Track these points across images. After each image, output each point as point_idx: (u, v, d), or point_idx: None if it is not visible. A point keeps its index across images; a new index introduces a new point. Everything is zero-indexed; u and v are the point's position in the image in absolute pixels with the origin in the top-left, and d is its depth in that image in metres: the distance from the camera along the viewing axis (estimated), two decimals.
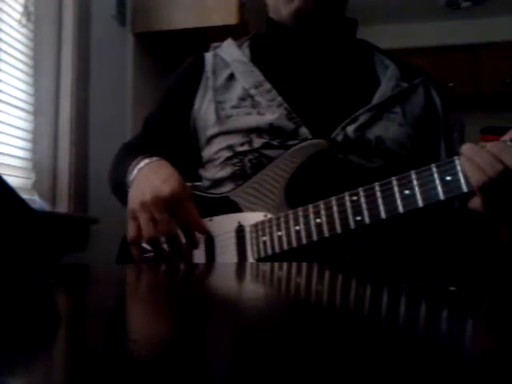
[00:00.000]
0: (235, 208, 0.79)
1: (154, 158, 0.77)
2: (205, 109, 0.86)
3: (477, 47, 3.31)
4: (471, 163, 0.63)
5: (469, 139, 0.89)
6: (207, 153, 0.86)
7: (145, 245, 0.82)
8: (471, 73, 3.28)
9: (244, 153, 0.80)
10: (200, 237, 0.74)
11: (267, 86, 0.82)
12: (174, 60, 2.32)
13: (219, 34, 1.87)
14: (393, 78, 0.85)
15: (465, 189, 0.64)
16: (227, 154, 0.82)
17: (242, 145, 0.80)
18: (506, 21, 3.41)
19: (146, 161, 0.77)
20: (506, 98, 3.30)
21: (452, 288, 0.38)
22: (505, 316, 0.29)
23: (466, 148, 0.65)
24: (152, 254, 0.82)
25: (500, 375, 0.17)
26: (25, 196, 1.45)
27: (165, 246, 0.71)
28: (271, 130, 0.79)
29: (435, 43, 3.36)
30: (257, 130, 0.79)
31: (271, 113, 0.80)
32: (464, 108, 3.25)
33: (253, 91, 0.82)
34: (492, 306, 0.34)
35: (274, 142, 0.79)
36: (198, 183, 0.87)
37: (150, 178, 0.73)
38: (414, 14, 3.47)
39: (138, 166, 0.76)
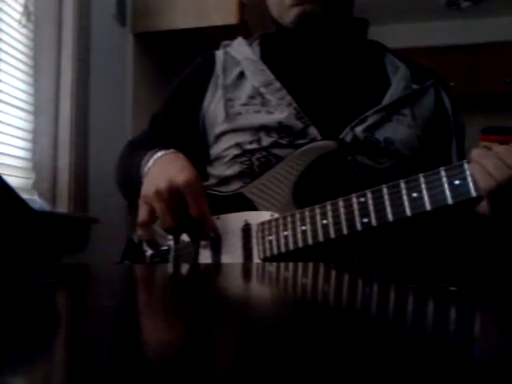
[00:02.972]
0: (249, 205, 0.79)
1: (170, 150, 0.78)
2: (214, 106, 0.86)
3: (477, 47, 3.31)
4: (481, 168, 0.63)
5: (469, 139, 0.89)
6: (215, 150, 0.85)
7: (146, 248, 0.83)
8: (471, 73, 3.28)
9: (252, 151, 0.80)
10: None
11: (277, 84, 0.83)
12: (174, 60, 2.32)
13: (219, 34, 1.87)
14: (403, 79, 0.85)
15: (473, 193, 0.63)
16: (235, 151, 0.82)
17: (250, 143, 0.80)
18: (506, 21, 3.41)
19: (163, 152, 0.77)
20: (506, 97, 3.30)
21: (453, 288, 0.38)
22: (503, 315, 0.29)
23: (475, 152, 0.64)
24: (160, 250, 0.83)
25: (502, 374, 0.17)
26: (25, 196, 1.45)
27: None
28: (280, 129, 0.79)
29: (435, 43, 3.36)
30: (266, 129, 0.80)
31: (280, 111, 0.80)
32: (464, 108, 3.25)
33: (262, 90, 0.83)
34: (491, 305, 0.34)
35: (283, 141, 0.79)
36: (206, 183, 0.86)
37: (165, 167, 0.73)
38: (414, 14, 3.47)
39: (155, 157, 0.77)
